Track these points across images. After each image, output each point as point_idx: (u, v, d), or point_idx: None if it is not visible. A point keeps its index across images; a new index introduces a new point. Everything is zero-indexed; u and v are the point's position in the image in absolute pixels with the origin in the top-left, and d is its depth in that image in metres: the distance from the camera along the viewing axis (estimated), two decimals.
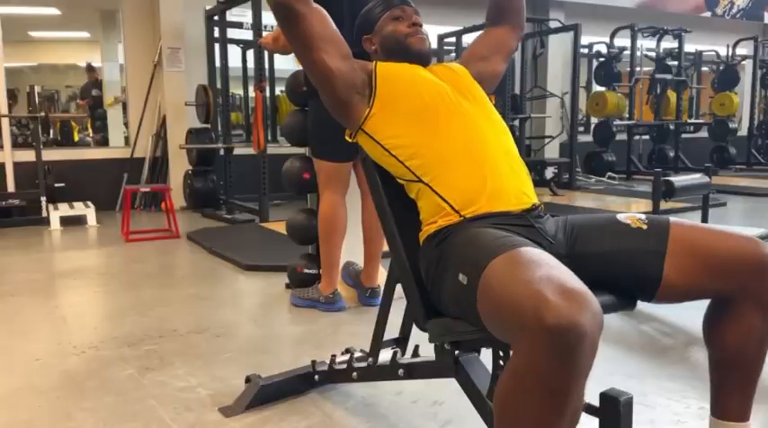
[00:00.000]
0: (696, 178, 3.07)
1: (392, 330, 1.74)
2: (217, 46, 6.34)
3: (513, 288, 1.04)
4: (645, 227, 1.34)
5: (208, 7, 6.35)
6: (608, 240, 1.36)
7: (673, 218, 1.37)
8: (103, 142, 8.51)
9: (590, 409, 1.23)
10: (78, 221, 5.54)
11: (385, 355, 1.74)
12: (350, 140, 1.62)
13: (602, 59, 8.64)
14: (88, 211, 5.56)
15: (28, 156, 5.98)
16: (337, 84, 1.51)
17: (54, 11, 8.29)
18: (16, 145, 6.72)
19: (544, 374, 0.97)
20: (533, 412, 1.00)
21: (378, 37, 1.68)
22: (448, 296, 1.32)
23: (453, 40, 7.84)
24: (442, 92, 1.53)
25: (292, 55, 2.95)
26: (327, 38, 1.51)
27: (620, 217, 1.39)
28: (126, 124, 7.45)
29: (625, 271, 1.32)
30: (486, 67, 1.72)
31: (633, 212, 1.43)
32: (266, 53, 5.84)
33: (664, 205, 3.11)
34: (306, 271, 3.03)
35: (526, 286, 1.01)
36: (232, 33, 6.45)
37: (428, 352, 1.60)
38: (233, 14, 6.52)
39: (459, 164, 1.43)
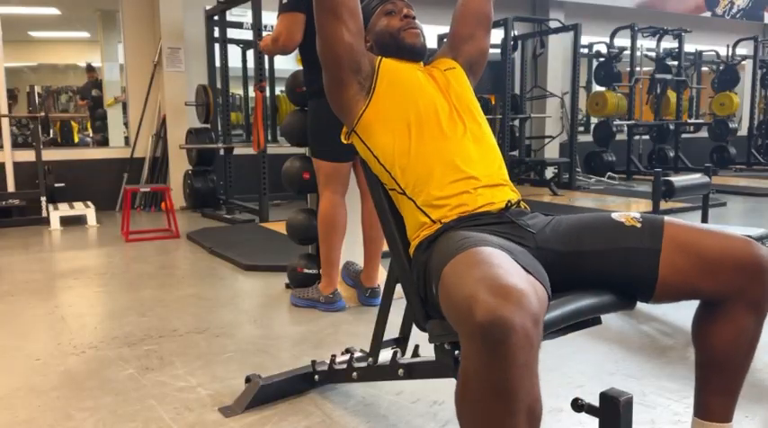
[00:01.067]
0: (696, 178, 3.06)
1: (392, 330, 1.74)
2: (217, 46, 6.35)
3: (456, 290, 1.06)
4: (639, 225, 1.33)
5: (208, 7, 6.35)
6: (602, 238, 1.34)
7: (667, 218, 1.36)
8: (103, 142, 8.52)
9: (590, 409, 1.23)
10: (78, 221, 5.54)
11: (385, 355, 1.74)
12: (345, 142, 1.62)
13: (602, 59, 8.64)
14: (88, 211, 5.56)
15: (28, 155, 5.98)
16: (344, 61, 1.50)
17: (54, 11, 8.29)
18: (16, 145, 6.73)
19: (483, 373, 0.96)
20: (485, 414, 0.99)
21: (371, 33, 1.67)
22: (435, 302, 1.32)
23: None
24: (438, 106, 1.52)
25: (292, 55, 2.98)
26: (353, 11, 1.51)
27: (614, 216, 1.38)
28: (126, 124, 7.45)
29: (621, 270, 1.31)
30: (473, 48, 1.72)
31: (627, 211, 1.43)
32: None
33: (664, 205, 3.11)
34: (306, 271, 3.04)
35: (466, 287, 1.02)
36: (232, 33, 6.46)
37: (428, 352, 1.59)
38: (233, 14, 6.53)
39: (441, 182, 1.44)
